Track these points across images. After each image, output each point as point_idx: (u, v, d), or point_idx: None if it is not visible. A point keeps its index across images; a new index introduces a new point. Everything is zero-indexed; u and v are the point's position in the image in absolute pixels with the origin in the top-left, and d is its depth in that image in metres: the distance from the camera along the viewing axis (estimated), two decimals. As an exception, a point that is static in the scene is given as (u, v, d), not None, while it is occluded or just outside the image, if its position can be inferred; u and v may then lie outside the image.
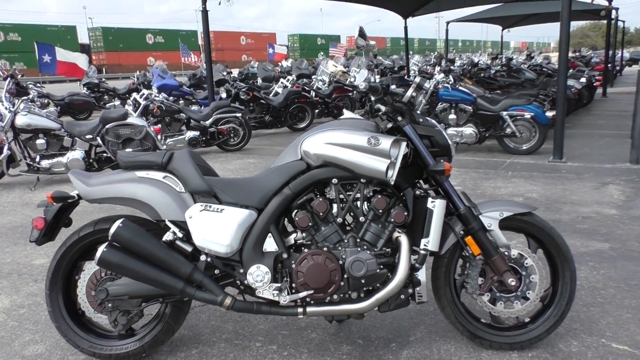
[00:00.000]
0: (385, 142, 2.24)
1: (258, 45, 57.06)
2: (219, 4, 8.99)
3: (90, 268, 2.47)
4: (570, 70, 13.34)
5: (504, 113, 7.21)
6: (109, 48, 50.11)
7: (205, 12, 9.13)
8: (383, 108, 2.41)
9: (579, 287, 3.13)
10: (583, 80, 11.30)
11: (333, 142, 2.27)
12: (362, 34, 2.34)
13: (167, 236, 2.35)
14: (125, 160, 2.46)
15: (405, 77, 14.47)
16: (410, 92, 2.43)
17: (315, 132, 2.35)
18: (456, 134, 7.44)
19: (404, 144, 2.31)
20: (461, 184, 5.79)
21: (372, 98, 2.44)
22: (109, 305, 2.40)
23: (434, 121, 2.49)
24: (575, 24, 57.99)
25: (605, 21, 17.45)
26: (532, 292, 2.45)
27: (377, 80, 2.46)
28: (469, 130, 7.39)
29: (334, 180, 2.32)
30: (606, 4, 14.28)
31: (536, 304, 2.48)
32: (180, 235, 2.35)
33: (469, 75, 10.88)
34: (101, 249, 2.26)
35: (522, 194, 5.28)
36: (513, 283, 2.39)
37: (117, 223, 2.27)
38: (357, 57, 15.94)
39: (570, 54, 21.01)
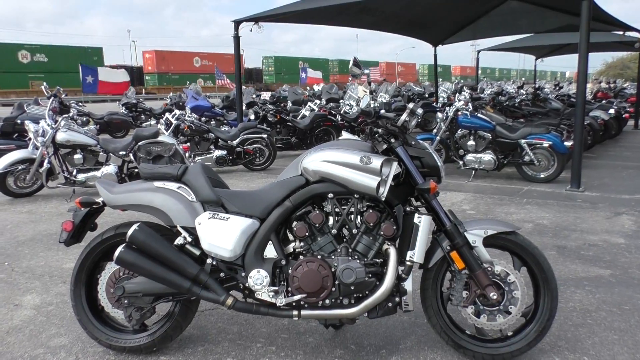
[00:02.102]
0: (376, 162, 2.47)
1: (211, 67, 46.63)
2: (250, 30, 9.39)
3: (110, 268, 2.76)
4: (603, 102, 13.30)
5: (522, 141, 7.32)
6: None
7: (237, 38, 9.59)
8: (380, 130, 2.65)
9: (571, 309, 3.25)
10: (612, 111, 11.26)
11: (329, 160, 2.51)
12: (356, 63, 2.60)
13: (178, 240, 2.61)
14: (146, 171, 2.75)
15: (434, 103, 14.69)
16: (404, 116, 2.66)
17: (314, 151, 2.60)
18: (475, 160, 7.57)
19: (394, 163, 2.52)
20: (474, 209, 5.92)
21: (368, 121, 2.68)
22: (125, 301, 2.67)
23: (425, 144, 2.71)
24: (615, 55, 57.04)
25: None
26: (514, 307, 2.60)
27: (372, 106, 2.70)
28: (487, 157, 7.51)
29: (330, 195, 2.55)
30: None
31: (518, 319, 2.63)
32: (189, 239, 2.61)
33: (492, 104, 10.98)
34: (119, 249, 2.55)
35: (532, 220, 5.37)
36: (495, 297, 2.55)
37: (134, 227, 2.56)
38: (386, 83, 16.24)
39: (604, 85, 20.81)
